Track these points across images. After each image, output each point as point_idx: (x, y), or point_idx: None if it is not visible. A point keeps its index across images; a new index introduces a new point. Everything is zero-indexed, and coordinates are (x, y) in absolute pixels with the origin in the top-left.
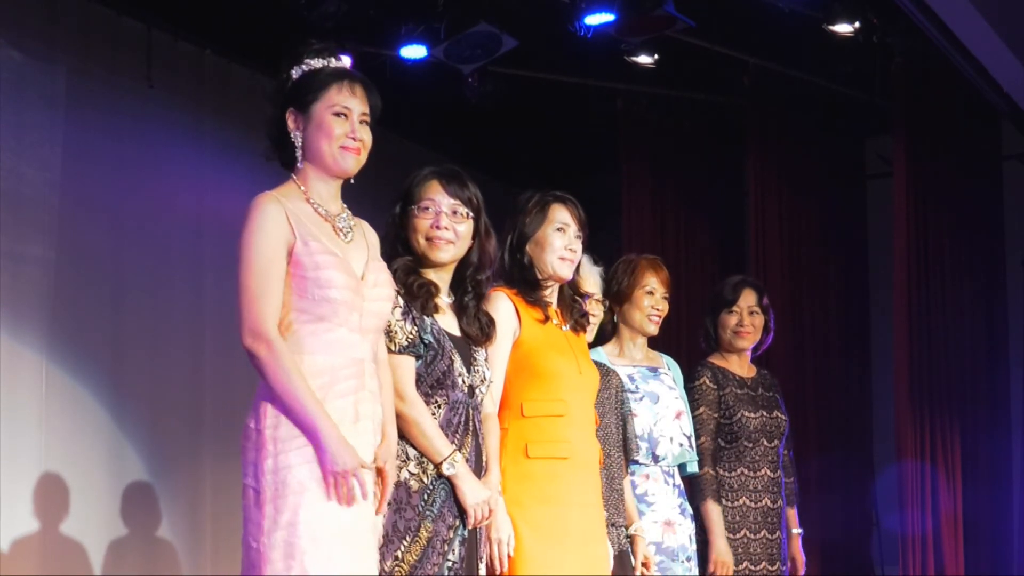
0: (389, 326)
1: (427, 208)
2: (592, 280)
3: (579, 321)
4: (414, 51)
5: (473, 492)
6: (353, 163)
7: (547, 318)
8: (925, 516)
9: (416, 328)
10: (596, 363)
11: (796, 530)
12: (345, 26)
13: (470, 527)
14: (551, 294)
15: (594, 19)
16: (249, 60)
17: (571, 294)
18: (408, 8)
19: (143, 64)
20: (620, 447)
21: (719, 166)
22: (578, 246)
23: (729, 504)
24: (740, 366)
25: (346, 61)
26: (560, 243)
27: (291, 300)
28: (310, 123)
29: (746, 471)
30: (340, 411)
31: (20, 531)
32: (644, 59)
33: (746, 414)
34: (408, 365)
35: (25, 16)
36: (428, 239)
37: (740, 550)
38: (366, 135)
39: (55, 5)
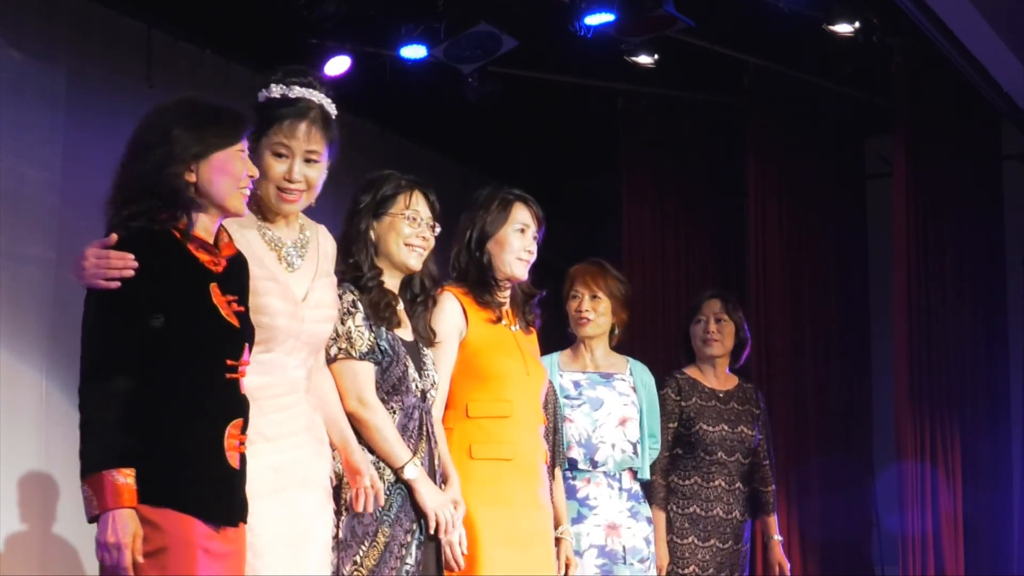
0: (349, 333)
1: (414, 219)
2: None
3: (530, 321)
4: (414, 51)
5: (432, 496)
6: (290, 208)
7: (499, 318)
8: (925, 516)
9: (373, 335)
10: None
11: (776, 537)
12: (345, 26)
13: (433, 530)
14: (505, 294)
15: (594, 19)
16: (249, 60)
17: (523, 294)
18: (408, 8)
19: (143, 64)
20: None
21: (719, 166)
22: (535, 248)
23: (679, 511)
24: (716, 378)
25: (314, 96)
26: (519, 244)
27: None
28: (257, 157)
29: (700, 480)
30: (275, 425)
31: (21, 532)
32: (644, 59)
33: (704, 427)
34: (368, 371)
35: (25, 16)
36: (408, 245)
37: (687, 555)
38: (312, 172)
39: (54, 5)
